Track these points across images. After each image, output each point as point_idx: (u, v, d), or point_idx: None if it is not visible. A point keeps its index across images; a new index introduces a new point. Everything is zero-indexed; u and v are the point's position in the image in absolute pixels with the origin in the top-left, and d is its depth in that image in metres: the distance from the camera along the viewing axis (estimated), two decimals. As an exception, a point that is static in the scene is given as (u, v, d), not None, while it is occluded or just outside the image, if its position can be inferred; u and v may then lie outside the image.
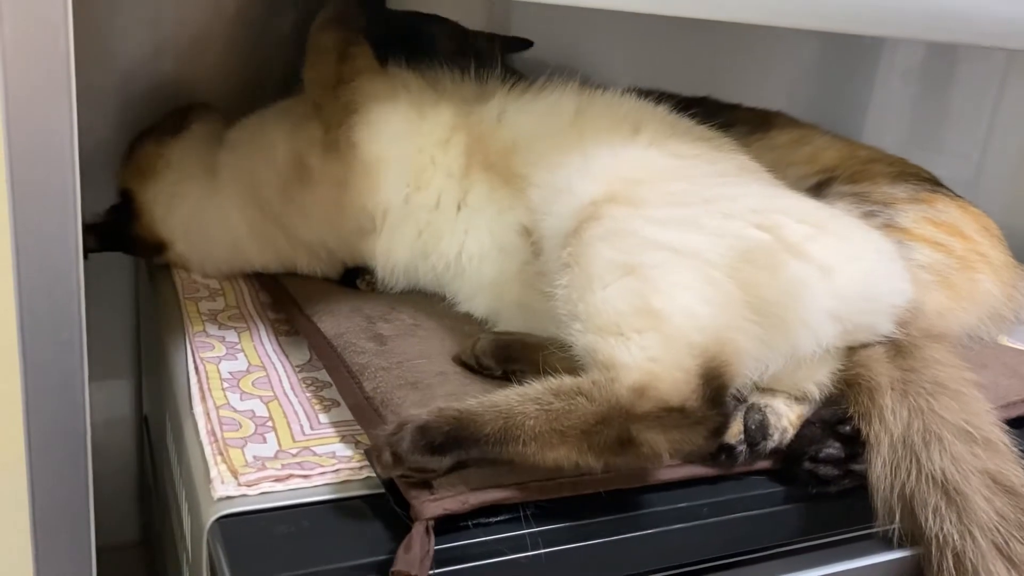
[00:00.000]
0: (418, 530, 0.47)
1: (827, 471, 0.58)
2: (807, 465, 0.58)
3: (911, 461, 0.55)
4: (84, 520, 0.56)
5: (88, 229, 0.76)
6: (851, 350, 0.60)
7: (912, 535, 0.55)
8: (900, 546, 0.56)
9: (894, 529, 0.56)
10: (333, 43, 0.75)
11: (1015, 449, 0.57)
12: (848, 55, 1.28)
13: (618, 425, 0.51)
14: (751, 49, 1.07)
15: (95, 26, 0.86)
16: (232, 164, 0.77)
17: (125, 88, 0.88)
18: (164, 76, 0.89)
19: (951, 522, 0.53)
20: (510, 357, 0.61)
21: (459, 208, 0.73)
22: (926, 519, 0.54)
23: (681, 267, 0.56)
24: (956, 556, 0.53)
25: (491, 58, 0.86)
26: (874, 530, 0.57)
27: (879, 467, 0.56)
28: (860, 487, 0.58)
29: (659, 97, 0.95)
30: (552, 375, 0.55)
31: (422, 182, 0.73)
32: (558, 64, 1.05)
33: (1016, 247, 1.58)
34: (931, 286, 0.74)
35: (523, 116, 0.72)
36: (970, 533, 0.53)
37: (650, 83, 0.95)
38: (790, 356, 0.58)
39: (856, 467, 0.58)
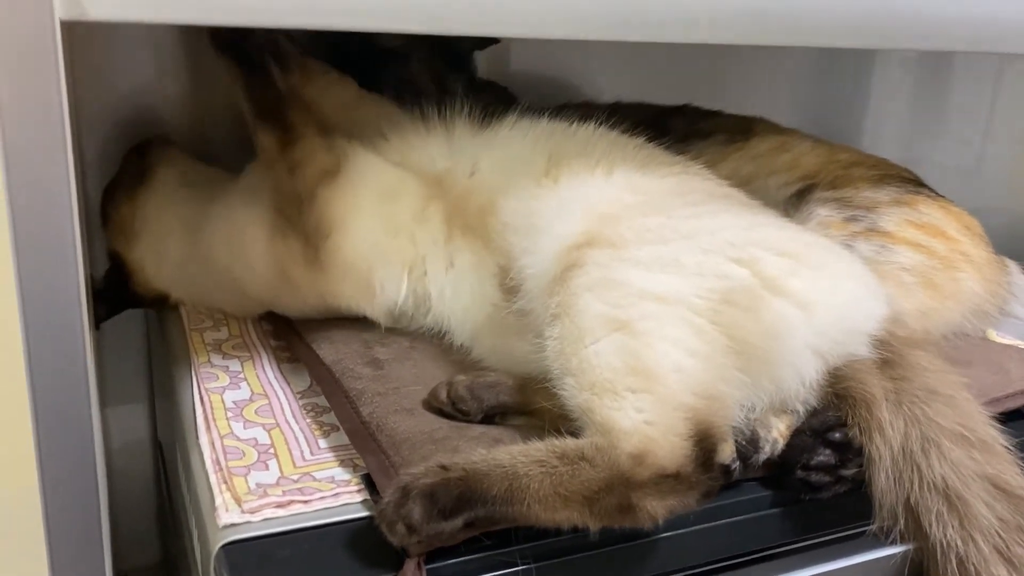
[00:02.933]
0: (410, 567, 0.49)
1: (819, 478, 0.59)
2: (799, 473, 0.59)
3: (913, 471, 0.57)
4: (98, 546, 0.58)
5: (94, 298, 0.79)
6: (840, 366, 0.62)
7: (915, 541, 0.57)
8: (891, 543, 0.58)
9: (887, 527, 0.57)
10: (276, 150, 0.72)
11: (1012, 450, 0.59)
12: (846, 48, 1.27)
13: (619, 493, 0.52)
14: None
15: (95, 64, 0.88)
16: (213, 243, 0.77)
17: (127, 121, 0.90)
18: (165, 105, 0.91)
19: (953, 528, 0.55)
20: (491, 401, 0.62)
21: (447, 271, 0.73)
22: (929, 525, 0.56)
23: (668, 318, 0.57)
24: (959, 561, 0.55)
25: (461, 79, 0.87)
26: (864, 528, 0.58)
27: (883, 480, 0.58)
28: (851, 491, 0.60)
29: (640, 107, 0.97)
30: (538, 419, 0.57)
31: (406, 261, 0.73)
32: (556, 77, 1.08)
33: (1019, 232, 1.59)
34: (915, 288, 0.76)
35: (496, 172, 0.72)
36: (972, 538, 0.55)
37: (646, 92, 0.98)
38: (773, 395, 0.60)
39: (847, 472, 0.59)
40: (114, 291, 0.81)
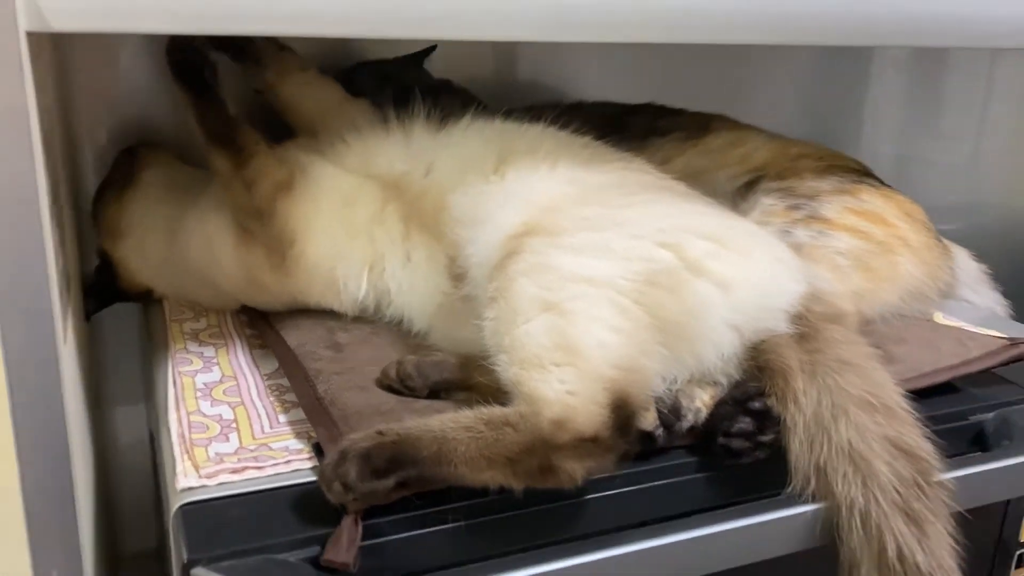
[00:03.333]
0: (347, 523, 0.54)
1: (739, 444, 0.63)
2: (721, 440, 0.64)
3: (823, 436, 0.61)
4: (75, 536, 0.62)
5: (84, 293, 0.84)
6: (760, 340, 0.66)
7: (825, 500, 0.61)
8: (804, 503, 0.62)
9: (800, 489, 0.61)
10: (230, 170, 0.76)
11: (913, 413, 0.63)
12: (842, 47, 1.31)
13: (540, 455, 0.57)
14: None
15: (94, 73, 0.94)
16: (189, 250, 0.82)
17: (123, 126, 0.95)
18: (159, 111, 0.96)
19: (857, 486, 0.59)
20: (435, 378, 0.67)
21: (404, 266, 0.78)
22: (837, 485, 0.60)
23: (594, 299, 0.62)
24: (863, 516, 0.59)
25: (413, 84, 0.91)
26: (781, 491, 0.63)
27: (796, 445, 0.62)
28: (769, 458, 0.64)
29: (604, 106, 1.02)
30: (477, 394, 0.61)
31: (366, 260, 0.78)
32: (555, 84, 1.12)
33: (1014, 225, 1.61)
34: (849, 270, 0.80)
35: (449, 171, 0.77)
36: (874, 495, 0.59)
37: (641, 94, 1.02)
38: (695, 368, 0.64)
39: (764, 439, 0.64)
40: (102, 286, 0.87)
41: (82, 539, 0.62)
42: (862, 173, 0.92)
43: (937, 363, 0.76)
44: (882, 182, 0.92)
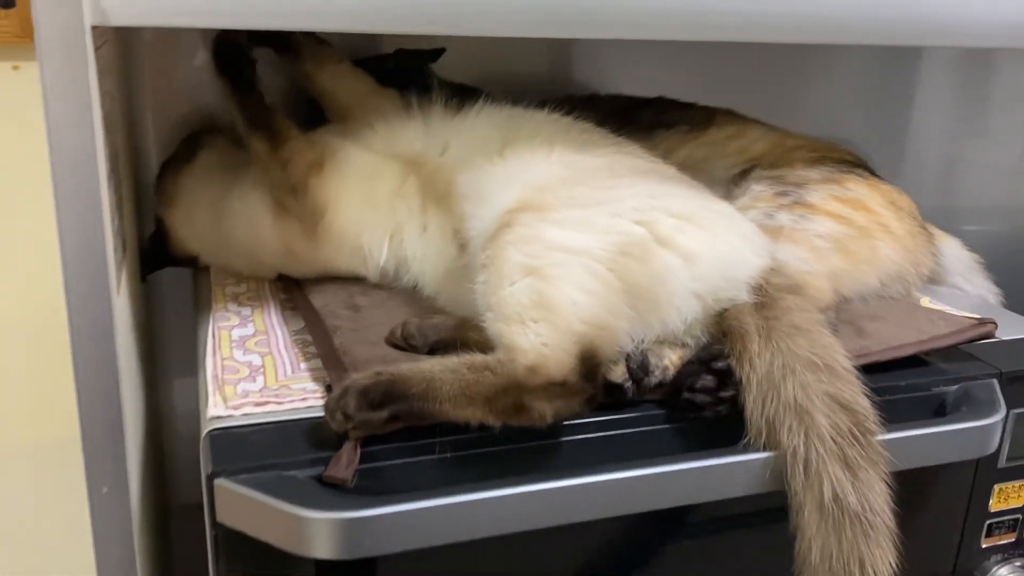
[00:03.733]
0: (347, 446, 0.63)
1: (702, 398, 0.71)
2: (685, 395, 0.71)
3: (772, 392, 0.68)
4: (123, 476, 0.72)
5: (140, 256, 0.96)
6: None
7: (774, 450, 0.68)
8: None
9: (753, 440, 0.69)
10: (268, 153, 0.86)
11: (854, 372, 0.70)
12: (889, 48, 1.37)
13: (514, 395, 0.65)
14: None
15: (160, 66, 1.06)
16: (231, 223, 0.92)
17: (185, 113, 1.07)
18: (215, 99, 1.07)
19: (800, 437, 0.66)
20: (434, 337, 0.76)
21: (420, 236, 0.88)
22: (783, 436, 0.67)
23: (571, 265, 0.70)
24: (805, 464, 0.66)
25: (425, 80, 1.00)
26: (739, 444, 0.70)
27: (751, 402, 0.69)
28: (730, 415, 0.71)
29: (615, 99, 1.09)
30: (469, 350, 0.70)
31: (387, 229, 0.88)
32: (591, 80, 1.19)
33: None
34: (827, 252, 0.86)
35: (461, 150, 0.86)
36: (814, 445, 0.66)
37: (682, 91, 1.08)
38: (660, 330, 0.72)
39: (724, 394, 0.71)
40: (155, 250, 0.98)
41: (129, 464, 0.73)
42: (854, 164, 0.98)
43: (904, 338, 0.82)
44: (873, 173, 0.98)
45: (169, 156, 1.00)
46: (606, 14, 0.72)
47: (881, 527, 0.65)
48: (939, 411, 0.81)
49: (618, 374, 0.70)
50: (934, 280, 0.98)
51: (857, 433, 0.65)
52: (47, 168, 0.65)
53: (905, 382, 0.80)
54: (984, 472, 0.86)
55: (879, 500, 0.65)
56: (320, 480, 0.63)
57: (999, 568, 0.91)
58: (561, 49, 1.21)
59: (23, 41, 1.10)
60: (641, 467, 0.66)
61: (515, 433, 0.67)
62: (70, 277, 0.66)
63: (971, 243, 1.07)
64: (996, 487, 0.87)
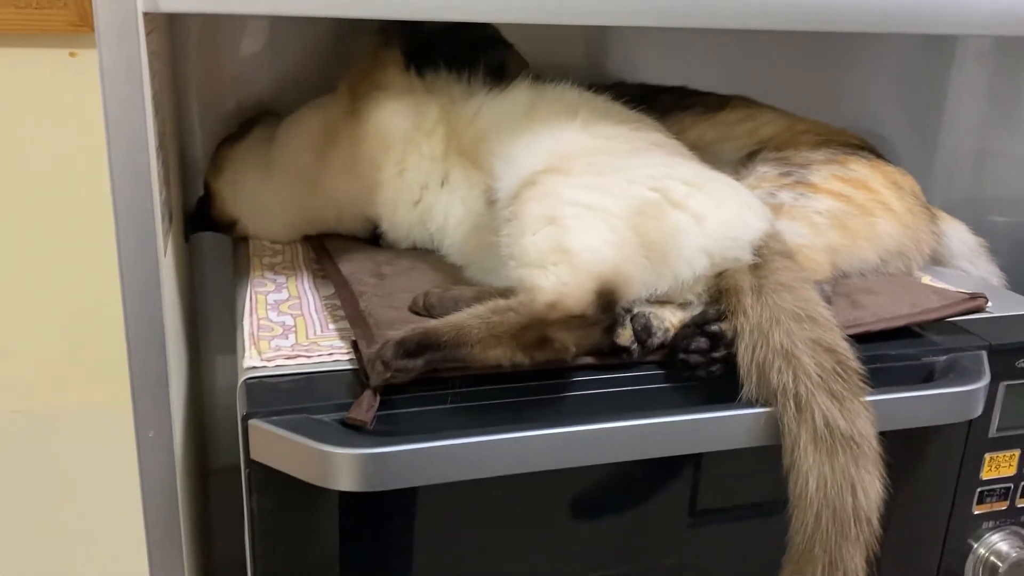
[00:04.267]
0: (367, 393, 0.70)
1: (695, 359, 0.76)
2: (680, 355, 0.76)
3: (762, 340, 0.74)
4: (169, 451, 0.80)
5: (186, 218, 1.04)
6: None
7: (766, 393, 0.74)
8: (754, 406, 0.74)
9: (744, 385, 0.74)
10: (376, 43, 0.99)
11: (833, 321, 0.75)
12: (923, 38, 1.41)
13: (537, 329, 0.71)
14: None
15: (216, 63, 1.14)
16: (280, 148, 1.02)
17: (229, 97, 1.16)
18: (258, 86, 1.16)
19: (788, 375, 0.72)
20: (453, 308, 0.79)
21: (442, 185, 0.95)
22: (773, 378, 0.73)
23: (590, 218, 0.76)
24: (796, 398, 0.72)
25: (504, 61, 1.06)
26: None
27: (743, 348, 0.75)
28: (722, 375, 0.76)
29: (639, 86, 1.14)
30: None
31: (410, 164, 0.96)
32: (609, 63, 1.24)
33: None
34: (825, 228, 0.90)
35: (492, 111, 0.94)
36: (803, 381, 0.72)
37: (711, 81, 1.12)
38: (672, 282, 0.78)
39: (716, 355, 0.76)
40: (200, 213, 1.08)
41: (173, 411, 0.80)
42: (859, 147, 1.02)
43: (896, 311, 0.86)
44: (880, 156, 1.02)
45: (230, 133, 1.10)
46: (643, 2, 0.77)
47: (869, 452, 0.71)
48: (927, 379, 0.85)
49: (625, 337, 0.75)
50: (938, 262, 1.02)
51: (840, 370, 0.72)
52: (99, 146, 0.72)
53: (896, 351, 0.84)
54: (974, 442, 0.90)
55: (866, 425, 0.71)
56: (342, 423, 0.70)
57: (991, 535, 0.95)
58: (596, 39, 1.26)
59: (80, 30, 1.18)
60: (640, 417, 0.72)
61: (525, 387, 0.73)
62: (122, 240, 0.73)
63: (1002, 234, 1.09)
64: (987, 456, 0.91)
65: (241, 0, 0.73)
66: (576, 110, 0.90)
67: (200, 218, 1.08)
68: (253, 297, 0.90)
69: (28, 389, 1.07)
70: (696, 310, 0.79)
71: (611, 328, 0.74)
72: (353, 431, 0.69)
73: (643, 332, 0.76)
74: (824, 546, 0.70)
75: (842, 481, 0.69)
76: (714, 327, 0.76)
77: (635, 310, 0.77)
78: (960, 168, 1.54)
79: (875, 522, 0.70)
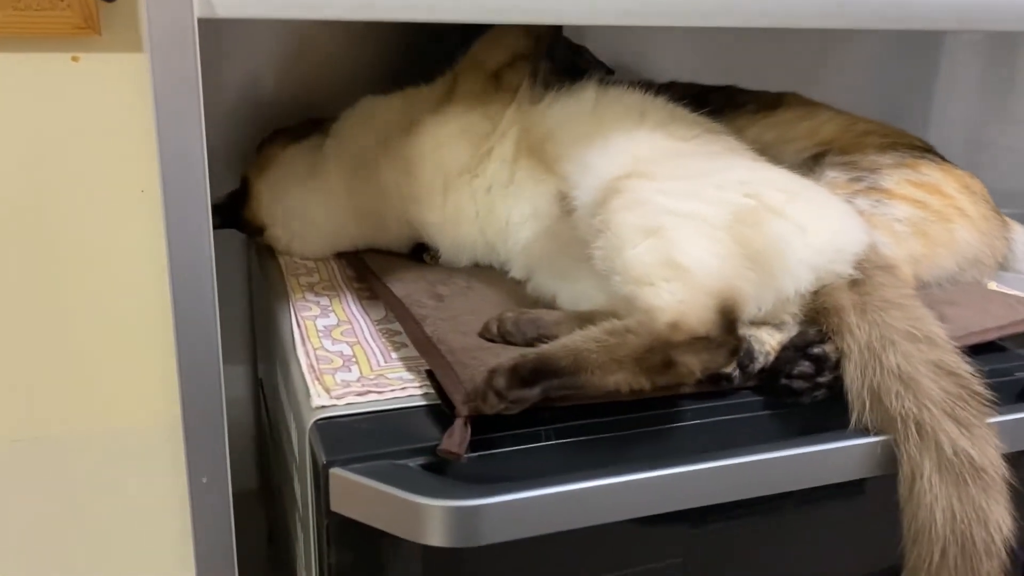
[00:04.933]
0: (458, 423, 0.64)
1: (799, 384, 0.71)
2: (783, 381, 0.72)
3: (875, 362, 0.69)
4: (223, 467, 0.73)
5: (212, 209, 0.97)
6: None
7: (881, 420, 0.69)
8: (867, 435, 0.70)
9: (856, 410, 0.70)
10: (512, 41, 0.92)
11: (951, 343, 0.71)
12: (914, 31, 1.38)
13: (661, 352, 0.66)
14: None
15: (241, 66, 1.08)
16: (338, 138, 0.96)
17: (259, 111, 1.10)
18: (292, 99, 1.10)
19: (910, 401, 0.68)
20: (532, 333, 0.75)
21: (506, 186, 0.89)
22: (891, 403, 0.68)
23: (691, 228, 0.71)
24: (918, 424, 0.67)
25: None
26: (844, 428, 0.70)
27: (852, 370, 0.70)
28: (829, 400, 0.71)
29: (690, 86, 1.09)
30: None
31: (480, 170, 0.90)
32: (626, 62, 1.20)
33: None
34: (906, 236, 0.86)
35: (557, 110, 0.89)
36: (925, 406, 0.67)
37: (713, 75, 1.08)
38: (776, 297, 0.72)
39: (822, 380, 0.71)
40: (230, 208, 1.00)
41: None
42: (924, 150, 0.98)
43: (985, 324, 0.82)
44: (943, 159, 0.98)
45: (286, 128, 1.03)
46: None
47: (998, 481, 0.66)
48: (1021, 396, 0.81)
49: (730, 365, 0.70)
50: (1003, 266, 0.98)
51: (965, 395, 0.67)
52: (104, 156, 0.64)
53: (989, 367, 0.80)
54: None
55: (994, 453, 0.66)
56: (430, 469, 0.64)
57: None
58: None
59: (84, 32, 1.09)
60: (750, 453, 0.67)
61: (617, 420, 0.68)
62: (175, 266, 0.67)
63: None
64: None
65: (300, 6, 0.66)
66: (642, 112, 0.85)
67: (228, 213, 1.00)
68: (302, 324, 0.83)
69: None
70: (792, 331, 0.74)
71: (736, 351, 0.69)
72: (446, 478, 0.63)
73: (745, 357, 0.71)
74: None
75: (972, 513, 0.65)
76: (817, 350, 0.71)
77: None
78: (952, 160, 1.53)
79: (1005, 557, 0.66)
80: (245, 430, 1.26)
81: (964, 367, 0.68)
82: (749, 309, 0.70)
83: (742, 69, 1.11)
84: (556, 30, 0.99)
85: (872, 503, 0.76)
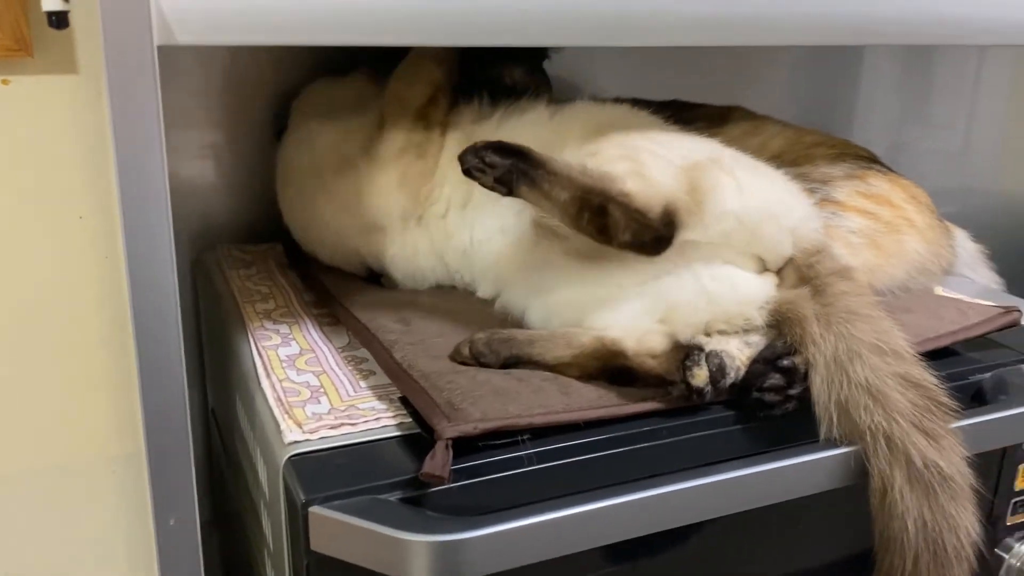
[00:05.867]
0: (440, 446, 0.62)
1: (771, 397, 0.72)
2: (755, 394, 0.72)
3: (842, 375, 0.70)
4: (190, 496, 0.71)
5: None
6: (780, 294, 0.76)
7: (850, 432, 0.70)
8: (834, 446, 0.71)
9: (823, 421, 0.71)
10: (428, 77, 0.92)
11: (917, 355, 0.72)
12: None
13: (601, 197, 0.71)
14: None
15: None
16: (283, 145, 0.98)
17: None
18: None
19: (879, 415, 0.69)
20: (506, 353, 0.75)
21: (463, 207, 0.89)
22: (859, 417, 0.69)
23: (656, 160, 0.76)
24: (887, 438, 0.68)
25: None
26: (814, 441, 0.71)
27: (818, 383, 0.71)
28: (797, 411, 0.72)
29: (637, 102, 1.10)
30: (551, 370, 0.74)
31: (433, 197, 0.90)
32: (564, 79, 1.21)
33: (1004, 209, 1.69)
34: (861, 247, 0.88)
35: (513, 124, 0.90)
36: (895, 420, 0.68)
37: (644, 90, 1.10)
38: (705, 234, 0.75)
39: (793, 392, 0.72)
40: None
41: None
42: (871, 160, 1.01)
43: (939, 329, 0.85)
44: (889, 168, 1.01)
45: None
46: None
47: (967, 490, 0.68)
48: (976, 397, 0.84)
49: (700, 378, 0.71)
50: (947, 272, 1.01)
51: (932, 407, 0.69)
52: (39, 183, 0.61)
53: (943, 372, 0.82)
54: (1011, 453, 0.89)
55: (962, 464, 0.69)
56: (412, 502, 0.63)
57: (1022, 544, 0.95)
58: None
59: (15, 55, 1.05)
60: (726, 471, 0.68)
61: (596, 441, 0.68)
62: (137, 294, 0.63)
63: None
64: (1021, 467, 0.91)
65: (261, 32, 0.64)
66: (603, 114, 0.88)
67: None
68: (264, 354, 0.81)
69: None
70: (761, 346, 0.75)
71: (661, 242, 0.72)
72: (428, 513, 0.62)
73: (718, 372, 0.72)
74: None
75: (943, 522, 0.67)
76: (787, 362, 0.72)
77: (707, 348, 0.73)
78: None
79: (974, 559, 0.68)
80: (195, 459, 1.22)
81: (929, 378, 0.70)
82: (686, 230, 0.73)
83: (667, 81, 1.13)
84: (462, 53, 0.98)
85: (841, 510, 0.78)
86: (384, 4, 0.65)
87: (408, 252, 0.91)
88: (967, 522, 0.68)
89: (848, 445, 0.70)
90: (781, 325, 0.75)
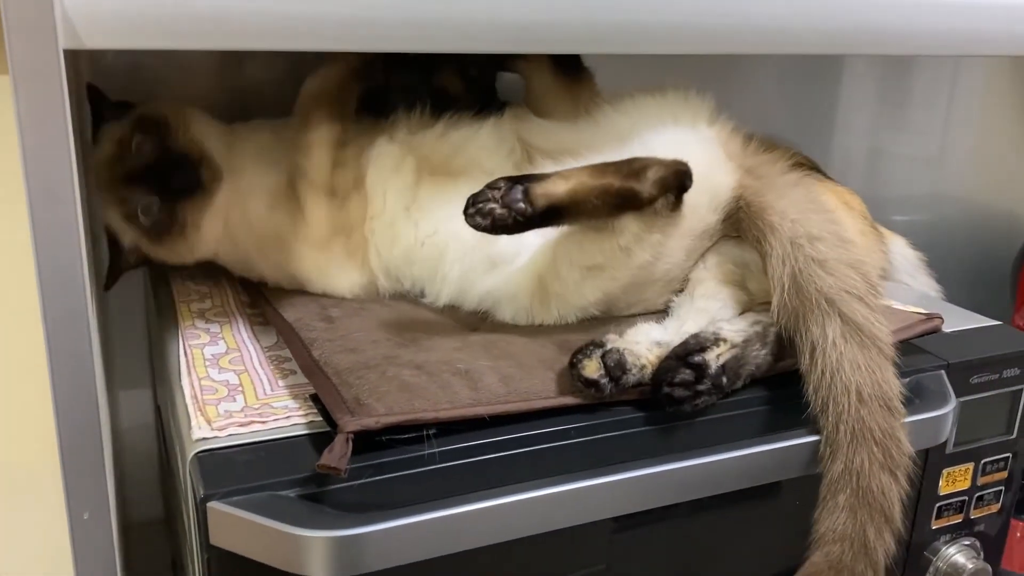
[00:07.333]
0: (339, 439, 0.63)
1: (680, 392, 0.73)
2: (664, 389, 0.73)
3: (797, 252, 0.77)
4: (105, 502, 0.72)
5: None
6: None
7: (801, 302, 0.76)
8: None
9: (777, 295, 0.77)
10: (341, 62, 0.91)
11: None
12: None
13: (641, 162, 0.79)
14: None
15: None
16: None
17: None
18: None
19: (822, 278, 0.76)
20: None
21: (407, 209, 0.90)
22: (810, 284, 0.76)
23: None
24: (828, 301, 0.75)
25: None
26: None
27: (775, 260, 0.78)
28: (708, 408, 0.75)
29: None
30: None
31: (376, 211, 0.91)
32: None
33: (977, 213, 1.71)
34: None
35: (459, 135, 0.93)
36: (842, 291, 0.76)
37: None
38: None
39: (701, 388, 0.74)
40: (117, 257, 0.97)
41: (108, 485, 0.72)
42: (808, 167, 1.02)
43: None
44: (826, 175, 1.02)
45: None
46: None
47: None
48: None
49: (591, 370, 0.72)
50: (883, 277, 1.02)
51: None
52: None
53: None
54: (935, 458, 0.91)
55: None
56: (312, 499, 0.64)
57: (947, 547, 0.96)
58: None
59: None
60: (633, 468, 0.69)
61: (504, 440, 0.69)
62: (47, 298, 0.64)
63: (900, 232, 1.13)
64: (945, 471, 0.92)
65: (170, 37, 0.65)
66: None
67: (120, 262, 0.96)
68: (188, 352, 0.82)
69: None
70: (676, 342, 0.76)
71: (653, 200, 0.78)
72: (326, 509, 0.63)
73: (616, 368, 0.73)
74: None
75: (868, 373, 0.74)
76: (697, 358, 0.74)
77: (608, 346, 0.74)
78: (855, 168, 1.60)
79: (900, 408, 0.76)
80: (149, 458, 1.23)
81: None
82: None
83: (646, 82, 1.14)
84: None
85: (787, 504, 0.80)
86: (299, 8, 0.66)
87: (363, 285, 0.94)
88: (889, 377, 0.75)
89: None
90: (740, 212, 0.82)
